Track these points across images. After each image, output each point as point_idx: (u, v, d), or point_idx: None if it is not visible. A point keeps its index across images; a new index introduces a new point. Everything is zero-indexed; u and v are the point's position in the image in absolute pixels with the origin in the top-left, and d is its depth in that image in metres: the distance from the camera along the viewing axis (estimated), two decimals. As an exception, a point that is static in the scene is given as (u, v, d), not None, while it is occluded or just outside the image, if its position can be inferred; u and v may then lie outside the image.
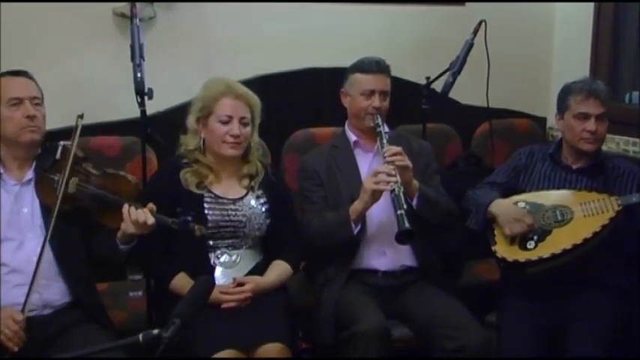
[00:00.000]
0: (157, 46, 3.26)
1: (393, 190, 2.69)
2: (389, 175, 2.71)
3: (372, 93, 2.97)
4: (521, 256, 2.78)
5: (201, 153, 2.80)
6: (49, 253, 2.50)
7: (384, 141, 2.86)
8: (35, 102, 2.56)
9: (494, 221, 2.90)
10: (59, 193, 2.45)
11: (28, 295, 2.38)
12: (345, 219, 2.81)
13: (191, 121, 2.81)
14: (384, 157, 2.79)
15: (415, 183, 2.83)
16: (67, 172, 2.47)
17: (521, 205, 2.90)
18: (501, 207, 2.90)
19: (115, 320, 2.71)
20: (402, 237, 2.64)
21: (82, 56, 3.39)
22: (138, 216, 2.45)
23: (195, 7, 3.53)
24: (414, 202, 2.83)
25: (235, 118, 2.74)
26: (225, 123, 2.74)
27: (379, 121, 2.93)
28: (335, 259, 2.90)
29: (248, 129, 2.78)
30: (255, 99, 2.83)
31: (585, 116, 2.83)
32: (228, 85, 2.79)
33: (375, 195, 2.75)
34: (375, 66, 2.98)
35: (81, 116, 2.54)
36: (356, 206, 2.79)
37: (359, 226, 2.83)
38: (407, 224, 2.61)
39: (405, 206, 2.65)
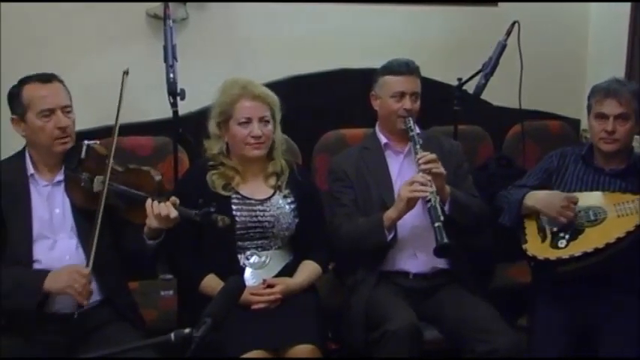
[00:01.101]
0: (188, 46, 3.28)
1: (429, 201, 2.68)
2: (424, 184, 2.70)
3: (402, 95, 2.94)
4: (553, 254, 2.75)
5: (225, 156, 2.80)
6: (80, 253, 2.53)
7: (418, 146, 2.84)
8: (66, 110, 2.56)
9: (529, 216, 2.87)
10: (103, 194, 2.48)
11: (90, 253, 2.43)
12: (378, 225, 2.79)
13: (212, 126, 2.81)
14: (419, 165, 2.77)
15: (447, 188, 2.81)
16: (109, 166, 2.50)
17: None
18: (539, 198, 2.86)
19: (145, 319, 2.73)
20: (440, 251, 2.64)
21: (115, 56, 3.41)
22: (160, 210, 2.46)
23: (227, 7, 3.55)
24: (446, 207, 2.81)
25: (255, 119, 2.73)
26: (245, 125, 2.74)
27: (411, 124, 2.90)
28: (364, 261, 2.89)
29: (269, 127, 2.77)
30: (272, 97, 2.81)
31: (603, 116, 2.82)
32: (244, 86, 2.77)
33: (410, 203, 2.73)
34: (404, 67, 2.95)
35: (126, 72, 2.57)
36: (390, 214, 2.78)
37: (392, 234, 2.81)
38: (445, 239, 2.60)
39: (442, 218, 2.64)
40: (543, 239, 2.81)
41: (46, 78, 2.57)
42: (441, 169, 2.77)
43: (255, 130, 2.72)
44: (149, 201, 2.48)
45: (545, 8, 3.97)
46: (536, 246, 2.81)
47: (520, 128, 3.53)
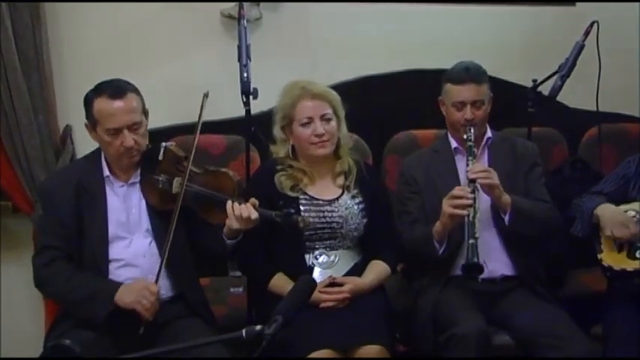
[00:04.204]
0: (261, 46, 3.31)
1: (467, 216, 2.64)
2: (466, 198, 2.66)
3: (462, 104, 2.88)
4: (630, 265, 2.70)
5: (292, 159, 2.81)
6: (154, 251, 2.59)
7: (471, 158, 2.79)
8: (134, 128, 2.54)
9: (600, 227, 2.80)
10: (180, 195, 2.52)
11: (160, 269, 2.49)
12: (429, 239, 2.77)
13: (277, 130, 2.83)
14: (467, 177, 2.74)
15: (506, 198, 2.75)
16: (187, 169, 2.54)
17: (632, 213, 2.79)
18: (608, 210, 2.80)
19: (215, 315, 2.76)
20: (468, 270, 2.61)
21: (190, 56, 3.49)
22: (242, 211, 2.49)
23: (300, 7, 3.57)
24: (507, 218, 2.77)
25: (316, 118, 2.73)
26: (307, 125, 2.74)
27: (471, 134, 2.84)
28: (432, 266, 2.86)
29: (332, 124, 2.76)
30: (333, 94, 2.81)
31: None
32: (303, 87, 2.78)
33: (454, 218, 2.69)
34: (464, 75, 2.88)
35: (206, 94, 2.58)
36: (436, 227, 2.75)
37: (444, 246, 2.78)
38: (476, 258, 2.57)
39: (477, 235, 2.60)
40: (620, 249, 2.75)
41: (118, 93, 2.52)
42: (491, 180, 2.71)
43: (318, 129, 2.72)
44: (229, 203, 2.51)
45: (624, 7, 3.85)
46: (612, 256, 2.75)
47: (597, 131, 3.44)
